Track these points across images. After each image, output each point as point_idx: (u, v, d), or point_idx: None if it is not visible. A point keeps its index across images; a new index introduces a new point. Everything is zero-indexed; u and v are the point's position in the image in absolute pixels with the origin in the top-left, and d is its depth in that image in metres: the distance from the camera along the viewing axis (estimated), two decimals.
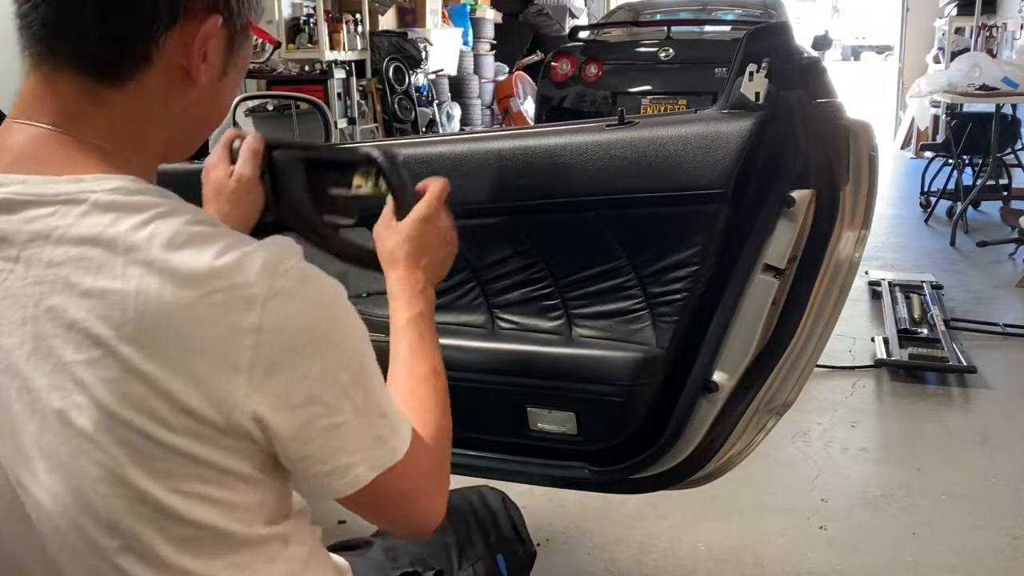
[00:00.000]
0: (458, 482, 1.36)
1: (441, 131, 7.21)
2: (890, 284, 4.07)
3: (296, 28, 6.41)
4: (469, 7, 8.68)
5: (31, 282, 0.68)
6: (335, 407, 0.73)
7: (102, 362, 0.67)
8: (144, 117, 0.76)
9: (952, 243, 5.16)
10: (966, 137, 5.67)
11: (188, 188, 1.58)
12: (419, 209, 1.02)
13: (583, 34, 6.12)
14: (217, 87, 0.80)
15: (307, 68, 6.29)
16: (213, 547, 0.73)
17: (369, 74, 6.95)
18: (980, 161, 5.74)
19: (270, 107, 4.22)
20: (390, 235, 1.02)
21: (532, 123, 7.44)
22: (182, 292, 0.67)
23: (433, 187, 1.03)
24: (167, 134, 0.79)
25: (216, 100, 0.82)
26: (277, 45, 0.99)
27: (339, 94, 6.27)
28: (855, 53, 29.91)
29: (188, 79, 0.76)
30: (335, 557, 0.97)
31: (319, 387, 0.72)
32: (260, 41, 0.87)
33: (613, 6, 8.42)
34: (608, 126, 1.41)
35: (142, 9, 0.72)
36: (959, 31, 8.79)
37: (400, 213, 1.02)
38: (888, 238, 5.37)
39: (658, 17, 6.42)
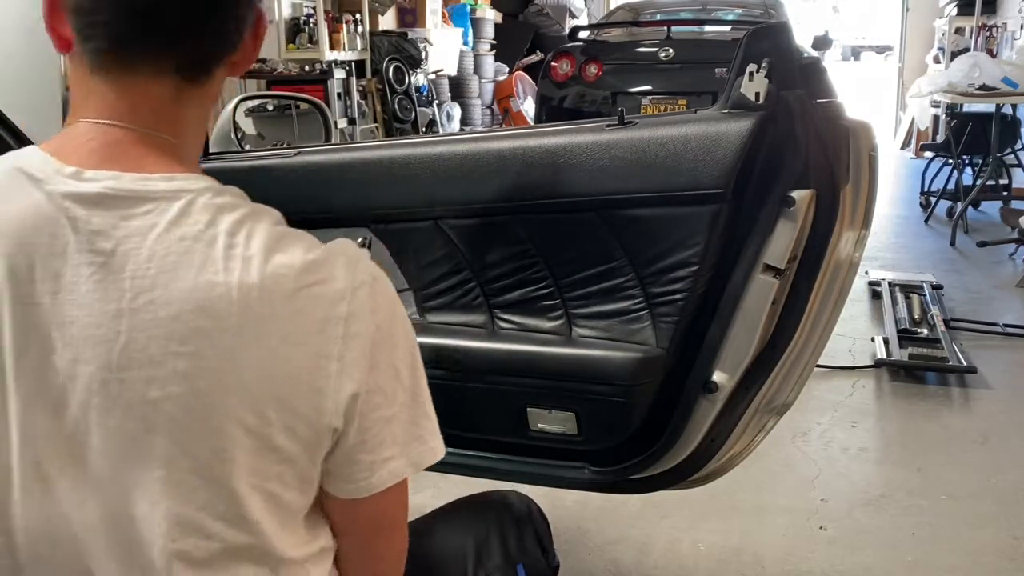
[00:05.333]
0: (481, 484, 1.33)
1: (441, 131, 7.20)
2: (890, 284, 4.07)
3: (296, 28, 6.41)
4: (469, 7, 8.68)
5: (129, 276, 0.69)
6: (391, 398, 0.77)
7: (207, 352, 0.69)
8: (205, 112, 0.80)
9: (952, 243, 5.16)
10: (966, 137, 5.67)
11: None
12: None
13: (583, 34, 6.11)
14: None
15: (307, 68, 6.28)
16: (258, 559, 0.75)
17: (369, 74, 6.95)
18: (980, 161, 5.74)
19: (270, 107, 4.20)
20: None
21: (532, 123, 7.44)
22: (282, 285, 0.71)
23: None
24: (204, 130, 0.84)
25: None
26: None
27: (339, 94, 6.26)
28: (855, 53, 29.89)
29: (232, 71, 0.80)
30: None
31: (384, 377, 0.76)
32: None
33: (613, 6, 8.41)
34: (608, 126, 1.41)
35: (237, 15, 0.76)
36: (959, 31, 8.78)
37: None
38: (888, 238, 5.36)
39: (658, 17, 6.41)
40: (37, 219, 0.70)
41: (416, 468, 0.80)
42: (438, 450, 0.82)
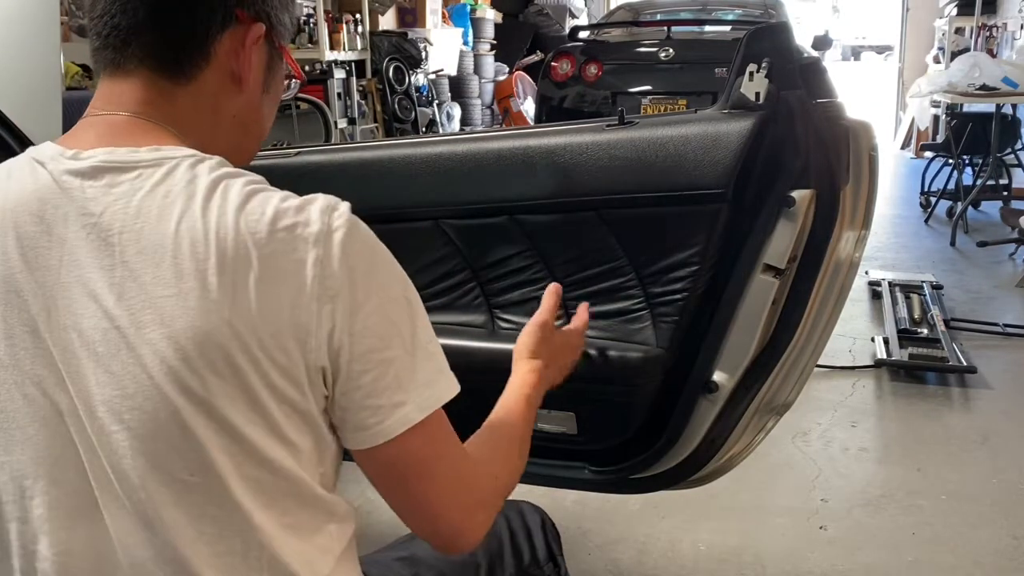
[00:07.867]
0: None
1: (441, 131, 7.20)
2: (890, 284, 4.07)
3: (296, 28, 6.40)
4: (469, 7, 8.68)
5: (117, 232, 0.75)
6: (386, 341, 0.79)
7: (191, 294, 0.74)
8: (203, 116, 0.85)
9: (952, 243, 5.16)
10: (966, 137, 5.67)
11: None
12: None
13: (583, 34, 6.12)
14: (260, 100, 0.90)
15: (307, 68, 6.28)
16: (279, 498, 0.78)
17: (369, 74, 6.95)
18: (980, 161, 5.74)
19: None
20: (526, 335, 1.18)
21: (532, 123, 7.44)
22: (257, 228, 0.75)
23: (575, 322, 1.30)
24: (224, 142, 0.87)
25: (259, 112, 0.91)
26: (303, 81, 1.16)
27: (339, 94, 6.25)
28: (855, 53, 29.88)
29: (237, 85, 0.86)
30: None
31: (373, 320, 0.78)
32: (288, 75, 0.97)
33: (613, 6, 8.41)
34: (608, 126, 1.41)
35: (197, 15, 0.82)
36: (959, 31, 8.78)
37: None
38: (888, 238, 5.36)
39: (658, 17, 6.42)
40: (42, 193, 0.78)
41: (425, 412, 0.80)
42: (450, 389, 0.83)
